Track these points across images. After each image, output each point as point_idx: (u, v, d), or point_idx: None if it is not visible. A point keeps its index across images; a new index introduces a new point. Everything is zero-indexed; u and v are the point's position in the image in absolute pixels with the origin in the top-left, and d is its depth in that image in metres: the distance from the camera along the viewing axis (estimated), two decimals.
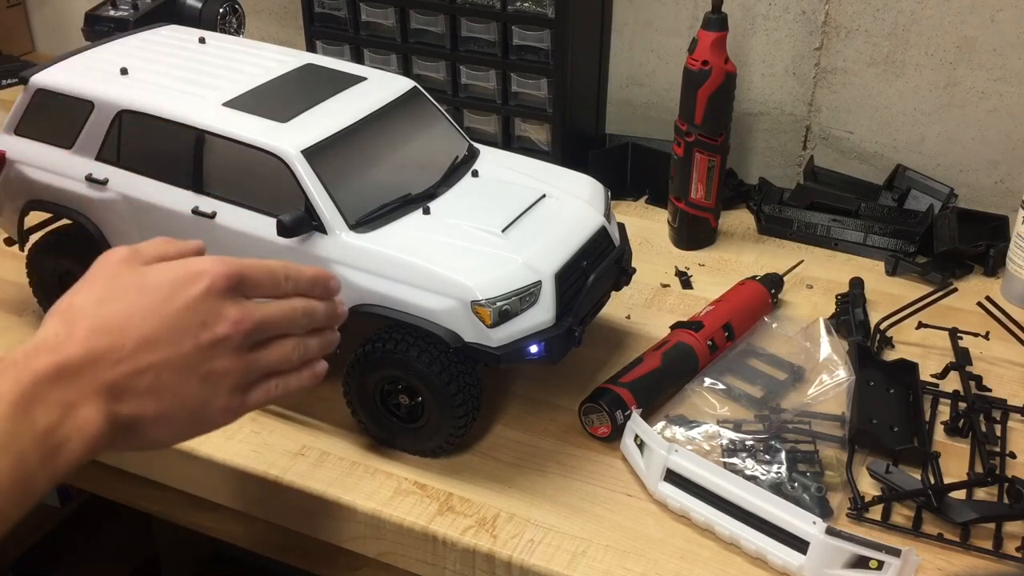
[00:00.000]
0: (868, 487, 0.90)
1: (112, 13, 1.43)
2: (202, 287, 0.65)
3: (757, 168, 1.46)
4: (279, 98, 0.98)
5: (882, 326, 1.10)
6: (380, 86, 1.02)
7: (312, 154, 0.89)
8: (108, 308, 0.64)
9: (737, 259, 1.28)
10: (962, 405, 1.00)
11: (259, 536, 1.01)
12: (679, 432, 0.95)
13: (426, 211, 0.93)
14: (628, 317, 1.15)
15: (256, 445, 0.95)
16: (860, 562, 0.79)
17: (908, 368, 1.02)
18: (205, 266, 0.67)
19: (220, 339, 0.66)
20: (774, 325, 1.08)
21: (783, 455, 0.92)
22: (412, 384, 0.90)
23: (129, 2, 1.44)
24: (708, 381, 1.00)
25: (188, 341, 0.64)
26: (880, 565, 0.79)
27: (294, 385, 0.73)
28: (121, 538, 1.87)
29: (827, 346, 1.03)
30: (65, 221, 1.05)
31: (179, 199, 0.95)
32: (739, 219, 1.37)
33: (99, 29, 1.42)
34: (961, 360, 1.05)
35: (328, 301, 0.75)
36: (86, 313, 0.64)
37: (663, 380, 0.99)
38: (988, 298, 1.11)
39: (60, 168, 1.01)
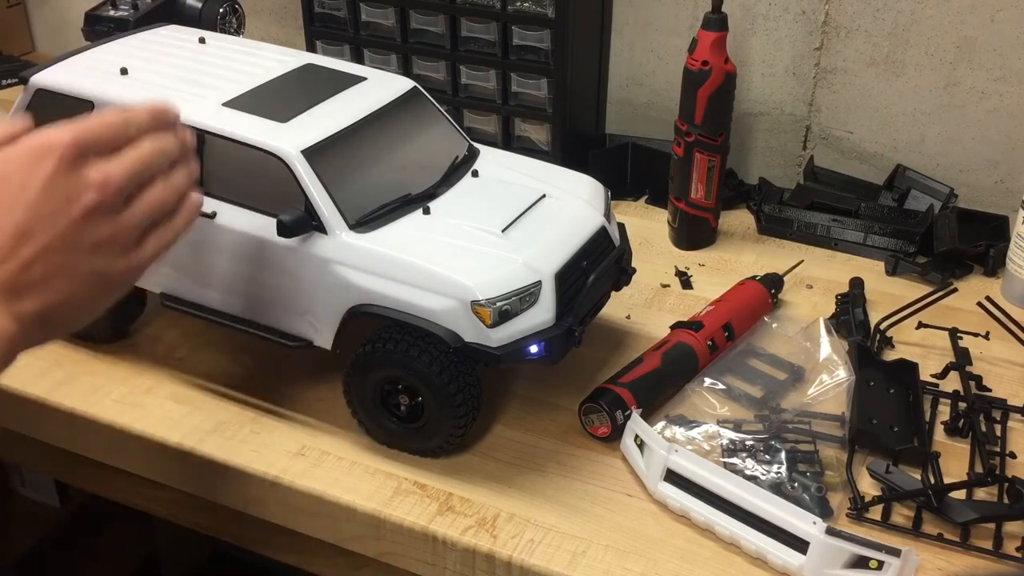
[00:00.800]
0: (868, 487, 0.90)
1: (112, 13, 1.43)
2: (52, 164, 0.63)
3: (757, 168, 1.46)
4: (279, 98, 0.98)
5: (882, 326, 1.10)
6: (380, 86, 1.02)
7: (312, 154, 0.89)
8: None
9: (737, 259, 1.28)
10: (962, 405, 1.00)
11: (259, 536, 1.01)
12: (679, 432, 0.95)
13: (426, 211, 0.93)
14: (628, 317, 1.15)
15: (256, 445, 0.95)
16: (860, 562, 0.79)
17: (908, 368, 1.02)
18: (46, 141, 0.64)
19: (92, 208, 0.64)
20: (774, 325, 1.08)
21: (783, 455, 0.92)
22: (412, 384, 0.90)
23: (129, 2, 1.44)
24: (708, 381, 1.00)
25: (62, 220, 0.63)
26: (880, 565, 0.79)
27: (181, 224, 0.72)
28: (121, 538, 1.87)
29: (827, 346, 1.03)
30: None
31: None
32: (739, 219, 1.37)
33: (99, 29, 1.42)
34: (961, 360, 1.05)
35: (173, 132, 0.73)
36: None
37: (663, 380, 0.99)
38: (988, 298, 1.11)
39: None
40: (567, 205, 0.97)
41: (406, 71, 1.42)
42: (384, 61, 1.43)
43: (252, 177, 0.92)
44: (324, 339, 0.93)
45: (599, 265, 0.95)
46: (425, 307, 0.86)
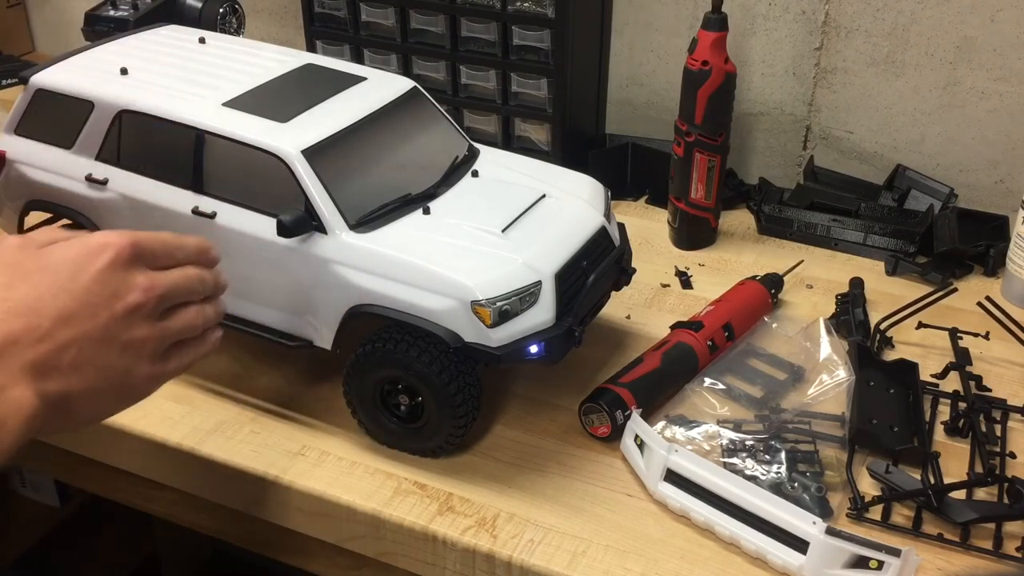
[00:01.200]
0: (868, 487, 0.90)
1: (112, 13, 1.43)
2: (107, 259, 0.66)
3: (757, 168, 1.46)
4: (279, 98, 0.98)
5: (882, 326, 1.10)
6: (380, 86, 1.02)
7: (312, 154, 0.90)
8: (16, 292, 0.64)
9: (737, 259, 1.28)
10: (962, 405, 1.00)
11: (259, 536, 1.01)
12: (679, 432, 0.95)
13: (426, 211, 0.93)
14: (628, 317, 1.15)
15: (256, 445, 0.95)
16: (860, 562, 0.79)
17: (908, 368, 1.02)
18: (105, 239, 0.68)
19: (134, 307, 0.67)
20: (774, 325, 1.08)
21: (783, 455, 0.92)
22: (412, 384, 0.90)
23: (129, 2, 1.44)
24: (708, 381, 1.00)
25: (103, 313, 0.65)
26: (880, 565, 0.79)
27: (202, 352, 0.75)
28: (121, 538, 1.87)
29: (827, 346, 1.03)
30: (65, 221, 1.05)
31: (179, 199, 0.95)
32: (739, 219, 1.37)
33: (99, 29, 1.42)
34: (961, 360, 1.05)
35: (213, 270, 0.77)
36: None
37: (663, 380, 0.99)
38: (988, 298, 1.11)
39: (60, 168, 1.01)
40: (567, 205, 0.97)
41: (406, 71, 1.42)
42: (384, 61, 1.43)
43: (252, 177, 0.92)
44: (324, 339, 0.93)
45: (599, 265, 0.95)
46: (425, 307, 0.86)
